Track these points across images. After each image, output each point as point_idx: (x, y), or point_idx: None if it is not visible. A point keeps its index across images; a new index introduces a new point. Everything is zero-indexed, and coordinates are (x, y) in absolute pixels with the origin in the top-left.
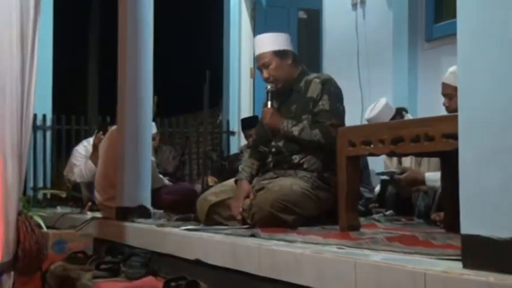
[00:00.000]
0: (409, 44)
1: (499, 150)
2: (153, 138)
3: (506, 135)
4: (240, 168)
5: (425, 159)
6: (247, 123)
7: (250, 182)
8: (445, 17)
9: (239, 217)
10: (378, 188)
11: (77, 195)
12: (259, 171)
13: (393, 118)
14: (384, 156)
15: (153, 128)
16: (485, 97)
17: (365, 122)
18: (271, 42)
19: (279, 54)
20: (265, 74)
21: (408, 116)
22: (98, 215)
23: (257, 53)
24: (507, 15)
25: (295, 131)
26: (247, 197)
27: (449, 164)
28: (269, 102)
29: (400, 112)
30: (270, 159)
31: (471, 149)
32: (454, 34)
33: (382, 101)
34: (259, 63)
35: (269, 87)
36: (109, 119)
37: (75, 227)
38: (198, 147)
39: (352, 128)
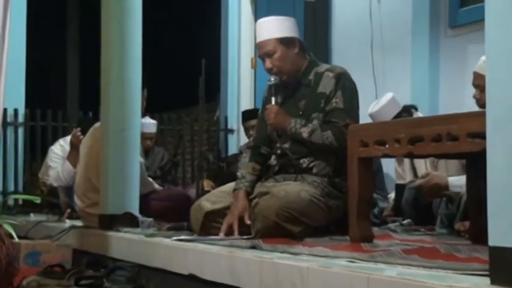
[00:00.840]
0: (430, 30)
1: None
2: (151, 139)
3: None
4: (239, 175)
5: (442, 162)
6: (248, 115)
7: (250, 192)
8: (471, 1)
9: (221, 234)
10: (392, 194)
11: (53, 201)
12: (262, 175)
13: (398, 115)
14: (395, 164)
15: (153, 127)
16: None
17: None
18: (276, 27)
19: (285, 41)
20: (269, 64)
21: (418, 115)
22: (78, 223)
23: (259, 40)
24: None
25: (305, 132)
26: (242, 215)
27: (476, 167)
28: (273, 98)
29: (408, 110)
30: (274, 162)
31: (501, 150)
32: (482, 20)
33: (388, 95)
34: (262, 51)
35: (272, 79)
36: (91, 115)
37: (51, 237)
38: (193, 146)
39: (365, 126)
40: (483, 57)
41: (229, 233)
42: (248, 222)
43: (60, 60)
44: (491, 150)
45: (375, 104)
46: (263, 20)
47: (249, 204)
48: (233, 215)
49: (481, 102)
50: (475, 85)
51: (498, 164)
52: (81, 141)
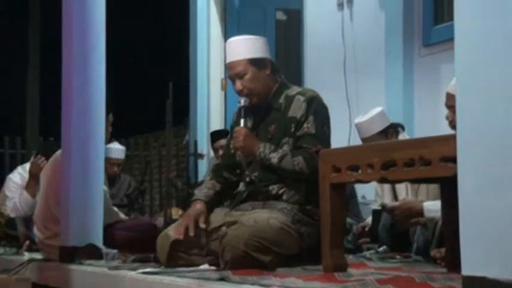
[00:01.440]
0: (404, 49)
1: (505, 177)
2: (118, 165)
3: None
4: (196, 191)
5: (423, 187)
6: (216, 135)
7: (207, 203)
8: (446, 18)
9: (181, 237)
10: (369, 219)
11: (11, 233)
12: (222, 197)
13: (385, 130)
14: (374, 183)
15: (121, 153)
16: (487, 114)
17: (354, 143)
18: (247, 47)
19: (256, 62)
20: (239, 85)
21: (404, 135)
22: (38, 255)
23: (229, 60)
24: (504, 16)
25: (274, 158)
26: (197, 219)
27: (451, 192)
28: (242, 120)
29: (395, 127)
30: (243, 189)
31: (472, 176)
32: None
33: (378, 108)
34: (232, 72)
35: (242, 101)
36: (53, 140)
37: (9, 270)
38: (161, 173)
39: (337, 151)
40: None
41: (184, 234)
42: (203, 225)
43: (19, 84)
44: (462, 176)
45: (362, 115)
46: (233, 40)
47: (206, 211)
48: (188, 217)
49: (453, 124)
50: (448, 106)
51: (469, 190)
52: (40, 167)
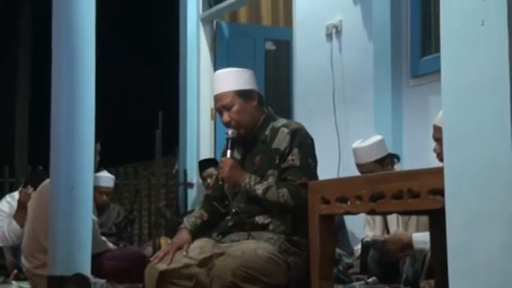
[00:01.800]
0: (392, 80)
1: (493, 212)
2: (107, 193)
3: (500, 194)
4: (184, 219)
5: (413, 218)
6: (204, 164)
7: (193, 232)
8: (433, 50)
9: (156, 261)
10: (358, 247)
11: None
12: (209, 227)
13: (382, 160)
14: (366, 218)
15: (110, 181)
16: (474, 148)
17: (343, 173)
18: (234, 79)
19: (243, 94)
20: (226, 117)
21: (399, 167)
22: (26, 285)
23: (216, 92)
24: (490, 53)
25: (259, 189)
26: (180, 247)
27: (439, 224)
28: (228, 151)
29: (391, 157)
30: (229, 219)
31: (459, 210)
32: None
33: (378, 136)
34: (219, 104)
35: (230, 133)
36: (41, 169)
37: None
38: (150, 202)
39: (326, 183)
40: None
41: (169, 262)
42: (186, 253)
43: (8, 112)
44: (450, 210)
45: (361, 140)
46: (220, 72)
47: (190, 240)
48: (172, 244)
49: (441, 156)
50: (435, 138)
51: (456, 225)
52: (29, 197)
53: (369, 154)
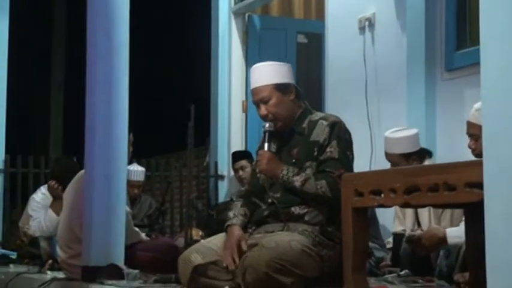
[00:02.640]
0: (426, 74)
1: None
2: (138, 187)
3: None
4: (231, 215)
5: (447, 212)
6: (238, 156)
7: (243, 229)
8: (468, 44)
9: (232, 267)
10: (389, 240)
11: (34, 252)
12: (251, 223)
13: (408, 155)
14: (397, 211)
15: (141, 175)
16: None
17: (375, 166)
18: (272, 73)
19: (281, 88)
20: (264, 110)
21: (430, 162)
22: (60, 275)
23: (254, 86)
24: None
25: (298, 181)
26: (240, 244)
27: (475, 217)
28: (266, 144)
29: (423, 153)
30: (265, 209)
31: (499, 203)
32: (479, 63)
33: (414, 130)
34: (257, 98)
35: (267, 126)
36: (75, 159)
37: None
38: (181, 193)
39: (359, 175)
40: (476, 105)
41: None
42: (245, 248)
43: (43, 104)
44: (489, 203)
45: (395, 130)
46: (259, 66)
47: (244, 235)
48: (231, 247)
49: (476, 152)
50: (469, 134)
51: (496, 218)
52: (57, 190)
53: (396, 146)
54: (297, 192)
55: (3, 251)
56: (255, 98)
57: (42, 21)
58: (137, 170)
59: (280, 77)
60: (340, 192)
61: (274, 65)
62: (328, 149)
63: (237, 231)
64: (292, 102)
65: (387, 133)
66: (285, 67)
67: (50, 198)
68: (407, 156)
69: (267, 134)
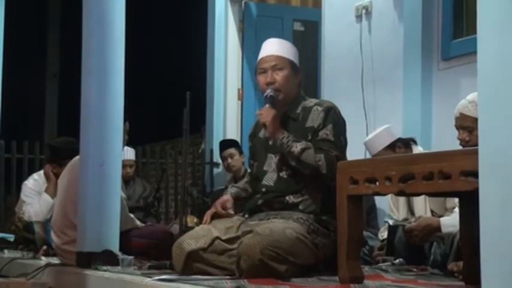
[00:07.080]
0: (422, 62)
1: None
2: (130, 166)
3: None
4: (229, 188)
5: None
6: (226, 144)
7: (235, 200)
8: (465, 32)
9: (206, 220)
10: (383, 229)
11: (29, 237)
12: (247, 201)
13: (393, 145)
14: (390, 202)
15: (131, 154)
16: (510, 129)
17: (369, 156)
18: (291, 51)
19: (294, 67)
20: (272, 76)
21: (418, 149)
22: (55, 260)
23: (271, 53)
24: None
25: (297, 147)
26: (224, 207)
27: (469, 206)
28: (267, 106)
29: (406, 142)
30: (258, 198)
31: (494, 192)
32: (475, 52)
33: (384, 126)
34: (268, 64)
35: (269, 91)
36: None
37: (26, 274)
38: (176, 180)
39: (355, 163)
40: (469, 97)
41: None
42: (231, 211)
43: (38, 90)
44: (484, 191)
45: (370, 134)
46: (280, 40)
47: (232, 201)
48: (215, 205)
49: (470, 144)
50: (462, 127)
51: (491, 207)
52: (53, 172)
53: (377, 143)
54: (292, 159)
55: (1, 234)
56: (266, 64)
57: (38, 7)
58: (127, 149)
59: (295, 58)
60: (335, 172)
61: (292, 46)
62: (323, 131)
63: (225, 196)
64: (296, 86)
65: (365, 140)
66: (297, 52)
67: (42, 184)
68: (392, 148)
69: (268, 99)
